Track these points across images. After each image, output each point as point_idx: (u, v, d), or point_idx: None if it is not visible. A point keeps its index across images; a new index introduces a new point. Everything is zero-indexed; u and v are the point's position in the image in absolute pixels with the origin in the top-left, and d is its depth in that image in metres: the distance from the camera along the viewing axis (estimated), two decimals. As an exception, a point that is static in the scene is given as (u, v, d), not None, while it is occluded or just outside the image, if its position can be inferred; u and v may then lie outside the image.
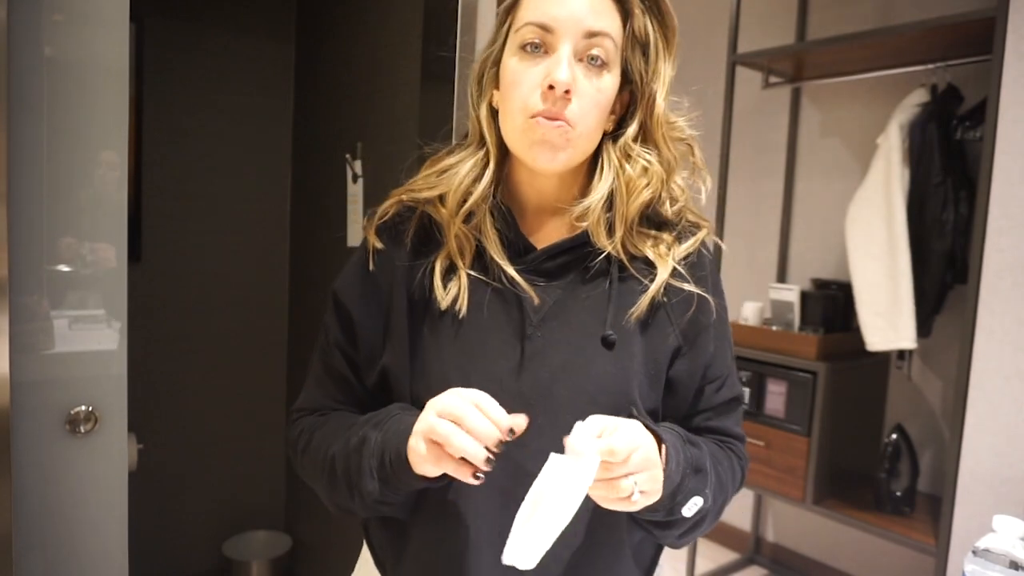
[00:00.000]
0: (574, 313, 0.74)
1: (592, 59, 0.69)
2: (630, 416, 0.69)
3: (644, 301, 0.73)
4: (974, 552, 0.97)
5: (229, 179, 2.25)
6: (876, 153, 2.15)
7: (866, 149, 2.39)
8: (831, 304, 2.35)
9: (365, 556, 0.86)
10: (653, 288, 0.73)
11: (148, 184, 2.07)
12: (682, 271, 0.75)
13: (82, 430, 1.13)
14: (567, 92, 0.67)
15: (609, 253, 0.73)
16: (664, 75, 0.73)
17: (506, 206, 0.76)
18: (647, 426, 0.67)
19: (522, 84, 0.69)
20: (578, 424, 0.62)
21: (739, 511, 2.92)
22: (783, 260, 2.74)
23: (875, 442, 2.36)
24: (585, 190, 0.76)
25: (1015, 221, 1.68)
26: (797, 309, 2.36)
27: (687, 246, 0.77)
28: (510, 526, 0.61)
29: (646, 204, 0.74)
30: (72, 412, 1.12)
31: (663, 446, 0.68)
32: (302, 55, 2.30)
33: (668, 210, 0.78)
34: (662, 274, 0.73)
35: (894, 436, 2.13)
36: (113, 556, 1.19)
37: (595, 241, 0.73)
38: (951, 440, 1.80)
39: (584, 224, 0.73)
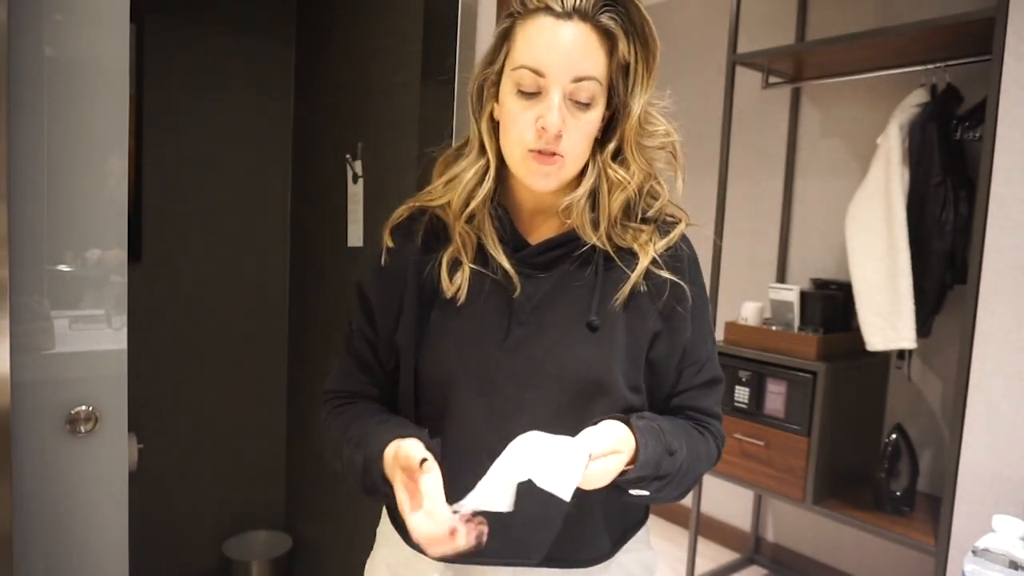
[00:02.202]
0: (563, 301, 0.83)
1: (578, 102, 0.78)
2: (624, 411, 0.79)
3: (626, 288, 0.82)
4: (974, 552, 0.97)
5: (229, 179, 2.24)
6: (876, 153, 2.15)
7: (866, 149, 2.39)
8: (831, 304, 2.35)
9: (385, 515, 0.98)
10: (635, 275, 0.82)
11: (148, 184, 2.07)
12: (661, 262, 0.84)
13: (82, 430, 1.13)
14: (559, 134, 0.77)
15: (596, 246, 0.83)
16: (641, 96, 0.81)
17: (503, 207, 0.85)
18: (627, 423, 0.78)
19: (519, 122, 0.78)
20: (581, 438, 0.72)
21: (739, 511, 2.92)
22: (783, 260, 2.74)
23: (875, 442, 2.36)
24: (574, 190, 0.85)
25: (1015, 221, 1.68)
26: (797, 309, 2.36)
27: (667, 240, 0.85)
28: None
29: (625, 202, 0.83)
30: (72, 412, 1.12)
31: (637, 444, 0.77)
32: (302, 55, 2.30)
33: (649, 206, 0.87)
34: (643, 262, 0.82)
35: (894, 436, 2.13)
36: (113, 556, 1.19)
37: (581, 235, 0.83)
38: (951, 440, 1.80)
39: (571, 221, 0.83)
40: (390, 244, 0.89)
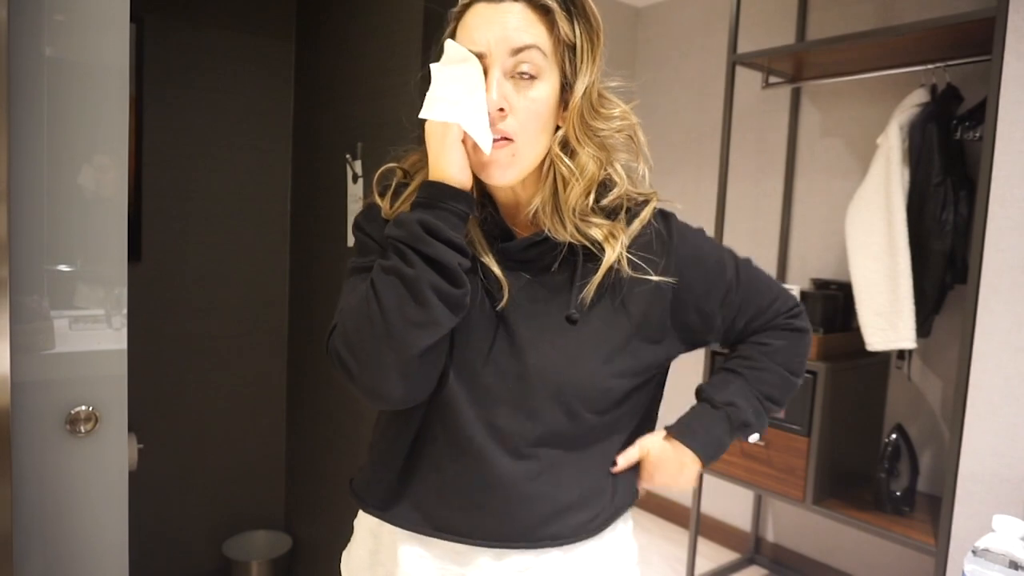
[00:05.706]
0: (544, 296, 0.84)
1: (522, 74, 0.77)
2: (604, 399, 0.83)
3: (592, 286, 0.82)
4: (974, 552, 0.97)
5: (229, 179, 2.25)
6: (876, 153, 2.15)
7: (866, 149, 2.39)
8: (831, 304, 2.35)
9: (361, 514, 0.95)
10: (599, 273, 0.82)
11: (148, 184, 2.07)
12: (635, 248, 0.83)
13: (82, 430, 1.13)
14: (501, 110, 0.76)
15: (573, 243, 0.82)
16: (587, 75, 0.79)
17: (493, 204, 0.86)
18: (676, 437, 0.91)
19: None
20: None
21: (739, 511, 2.92)
22: (783, 260, 2.74)
23: (875, 442, 2.36)
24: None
25: (1015, 221, 1.68)
26: (797, 309, 2.36)
27: (635, 225, 0.84)
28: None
29: (584, 196, 0.81)
30: (72, 412, 1.12)
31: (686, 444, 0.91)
32: (302, 55, 2.30)
33: (615, 195, 0.84)
34: (610, 256, 0.81)
35: (894, 436, 2.13)
36: (113, 556, 1.19)
37: (553, 237, 0.82)
38: (951, 440, 1.80)
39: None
40: (386, 209, 0.85)
